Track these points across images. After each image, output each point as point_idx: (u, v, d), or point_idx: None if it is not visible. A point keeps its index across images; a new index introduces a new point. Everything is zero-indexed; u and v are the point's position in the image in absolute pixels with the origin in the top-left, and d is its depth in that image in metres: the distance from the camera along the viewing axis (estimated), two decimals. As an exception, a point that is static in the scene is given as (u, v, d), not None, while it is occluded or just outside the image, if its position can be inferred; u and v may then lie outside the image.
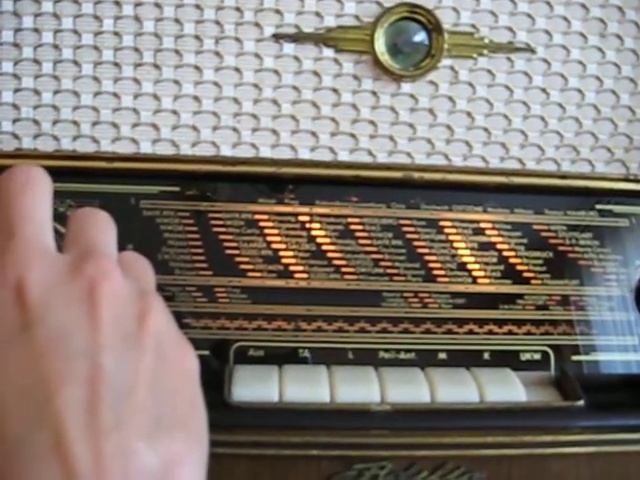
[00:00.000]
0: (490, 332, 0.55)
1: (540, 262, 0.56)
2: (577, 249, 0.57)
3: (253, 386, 0.50)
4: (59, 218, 0.49)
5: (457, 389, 0.50)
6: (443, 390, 0.50)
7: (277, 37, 0.53)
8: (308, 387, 0.50)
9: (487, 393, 0.50)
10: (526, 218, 0.56)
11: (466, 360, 0.54)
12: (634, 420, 0.50)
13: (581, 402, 0.51)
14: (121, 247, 0.46)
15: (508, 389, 0.51)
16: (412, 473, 0.48)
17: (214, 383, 0.50)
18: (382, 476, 0.48)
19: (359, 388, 0.50)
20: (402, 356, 0.53)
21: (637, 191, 0.57)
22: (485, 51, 0.55)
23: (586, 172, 0.57)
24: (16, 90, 0.52)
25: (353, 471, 0.48)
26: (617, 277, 0.57)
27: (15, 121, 0.52)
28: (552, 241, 0.56)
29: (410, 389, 0.50)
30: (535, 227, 0.56)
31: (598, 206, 0.58)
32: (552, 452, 0.49)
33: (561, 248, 0.57)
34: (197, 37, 0.53)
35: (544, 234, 0.56)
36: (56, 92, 0.52)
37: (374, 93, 0.54)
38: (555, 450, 0.49)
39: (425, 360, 0.53)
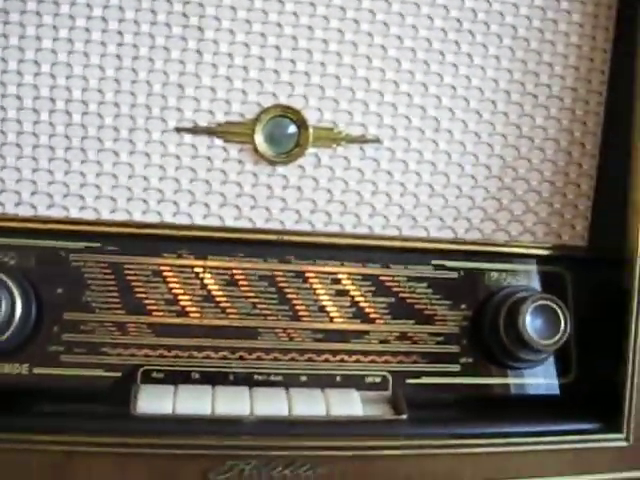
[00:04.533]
0: (342, 360, 0.71)
1: (384, 306, 0.72)
2: (414, 295, 0.73)
3: (153, 401, 0.65)
4: (1, 267, 0.65)
5: (310, 405, 0.66)
6: (298, 406, 0.66)
7: (178, 129, 0.68)
8: (195, 402, 0.65)
9: (332, 408, 0.66)
10: (374, 271, 0.72)
11: (322, 382, 0.70)
12: (442, 430, 0.67)
13: (404, 416, 0.67)
14: (53, 290, 0.62)
15: (349, 405, 0.67)
16: (270, 468, 0.64)
17: (124, 399, 0.65)
18: (247, 470, 0.64)
19: (234, 403, 0.65)
20: (272, 378, 0.69)
21: (463, 250, 0.74)
22: (343, 142, 0.71)
23: (422, 236, 0.73)
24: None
25: (225, 466, 0.63)
26: (445, 317, 0.73)
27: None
28: (395, 289, 0.73)
29: (273, 405, 0.66)
30: (381, 278, 0.72)
31: (433, 262, 0.74)
32: (379, 454, 0.65)
33: (402, 295, 0.73)
34: (115, 128, 0.68)
35: (388, 284, 0.73)
36: (1, 169, 0.67)
37: (254, 174, 0.70)
38: (382, 452, 0.66)
39: (290, 382, 0.69)
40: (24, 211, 0.68)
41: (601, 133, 0.76)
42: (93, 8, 0.67)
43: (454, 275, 0.74)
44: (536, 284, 0.76)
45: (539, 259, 0.76)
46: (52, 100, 0.67)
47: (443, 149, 0.72)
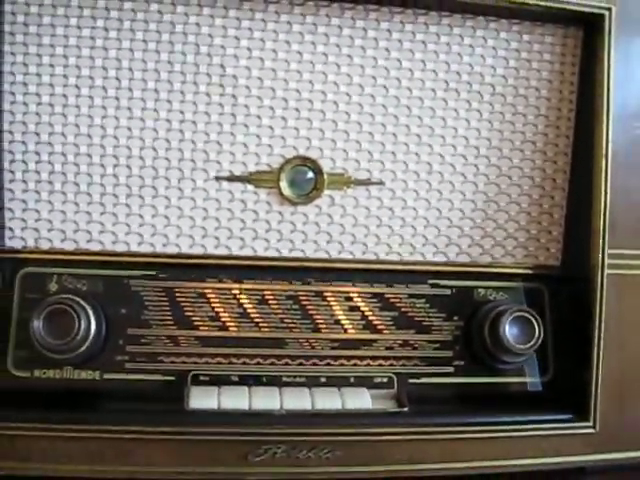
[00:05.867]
0: (354, 364, 0.85)
1: (389, 318, 0.87)
2: (414, 309, 0.87)
3: (201, 399, 0.80)
4: (78, 293, 0.80)
5: (328, 401, 0.80)
6: (319, 402, 0.80)
7: (217, 178, 0.84)
8: (235, 399, 0.80)
9: (347, 403, 0.81)
10: (381, 289, 0.87)
11: (338, 382, 0.84)
12: (438, 420, 0.81)
13: (406, 409, 0.81)
14: (118, 311, 0.77)
15: (361, 401, 0.81)
16: (297, 451, 0.78)
17: (178, 398, 0.80)
18: (279, 453, 0.78)
19: (267, 400, 0.80)
20: (297, 380, 0.84)
21: (454, 271, 0.88)
22: (352, 185, 0.86)
23: (420, 260, 0.88)
24: (50, 211, 0.82)
25: (261, 450, 0.78)
26: (440, 327, 0.88)
27: (50, 230, 0.83)
28: (397, 304, 0.87)
29: (299, 401, 0.80)
30: (386, 295, 0.87)
31: (430, 281, 0.89)
32: (385, 439, 0.80)
33: (403, 309, 0.87)
34: (166, 178, 0.84)
35: (392, 300, 0.87)
36: (76, 212, 0.83)
37: (280, 213, 0.85)
38: (388, 437, 0.80)
39: (312, 383, 0.83)
40: (94, 246, 0.83)
41: (569, 170, 0.90)
42: (147, 82, 0.82)
43: (447, 292, 0.88)
44: (518, 299, 0.89)
45: (520, 277, 0.89)
46: (115, 157, 0.83)
47: (435, 188, 0.87)
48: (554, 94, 0.88)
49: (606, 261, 0.84)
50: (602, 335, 0.84)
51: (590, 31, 0.87)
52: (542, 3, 0.83)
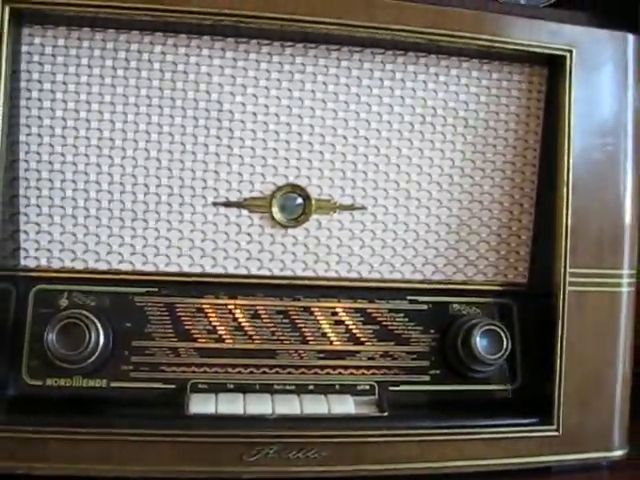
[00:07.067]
0: (339, 373, 0.93)
1: (371, 331, 0.95)
2: (394, 323, 0.95)
3: (200, 405, 0.87)
4: (87, 308, 0.88)
5: (316, 406, 0.88)
6: (307, 407, 0.87)
7: (215, 204, 0.92)
8: (231, 405, 0.87)
9: (333, 408, 0.88)
10: (363, 305, 0.95)
11: (325, 390, 0.91)
12: (415, 424, 0.90)
13: (386, 414, 0.90)
14: (123, 325, 0.85)
15: (345, 406, 0.89)
16: (287, 452, 0.86)
17: (178, 404, 0.88)
18: (270, 453, 0.85)
19: (260, 406, 0.87)
20: (287, 388, 0.91)
21: (431, 289, 0.97)
22: (337, 210, 0.94)
23: (399, 278, 0.96)
24: (61, 233, 0.90)
25: (254, 450, 0.86)
26: (418, 340, 0.96)
27: (61, 250, 0.91)
28: (379, 318, 0.95)
29: (289, 406, 0.87)
30: (369, 310, 0.95)
31: (408, 297, 0.97)
32: (368, 441, 0.88)
33: (384, 323, 0.95)
34: (169, 204, 0.92)
35: (374, 314, 0.95)
36: (85, 234, 0.91)
37: (271, 235, 0.93)
38: (370, 439, 0.88)
39: (300, 390, 0.90)
40: (102, 265, 0.91)
41: (535, 196, 0.99)
42: (151, 116, 0.91)
43: (424, 307, 0.96)
44: (489, 313, 0.97)
45: (491, 293, 0.97)
46: (122, 184, 0.91)
47: (413, 212, 0.95)
48: (521, 126, 0.96)
49: (567, 279, 0.92)
50: (564, 347, 0.92)
51: (554, 70, 0.95)
52: (510, 46, 0.92)
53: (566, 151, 0.92)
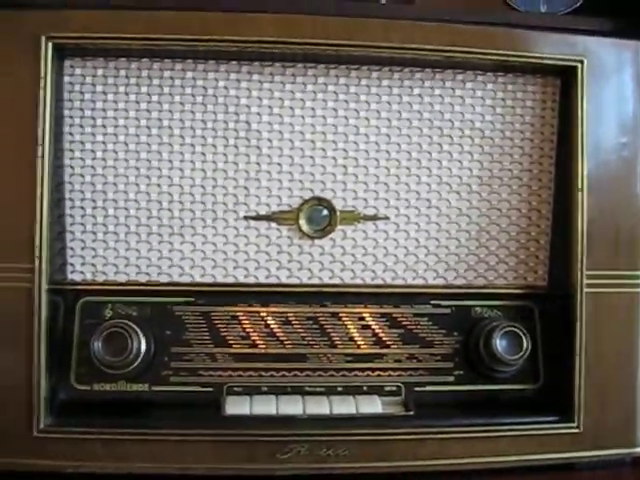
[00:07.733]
0: (367, 375, 0.98)
1: (396, 335, 0.99)
2: (419, 327, 1.00)
3: (236, 407, 0.93)
4: (129, 318, 0.95)
5: (344, 407, 0.93)
6: (337, 408, 0.92)
7: (246, 217, 0.98)
8: (264, 406, 0.92)
9: (361, 409, 0.93)
10: (389, 310, 1.00)
11: (353, 391, 0.96)
12: (440, 423, 0.94)
13: (412, 413, 0.94)
14: (163, 332, 0.91)
15: (373, 406, 0.94)
16: (318, 449, 0.90)
17: (216, 406, 0.94)
18: (302, 451, 0.91)
19: (291, 407, 0.92)
20: (317, 389, 0.96)
21: (453, 293, 1.01)
22: (361, 220, 0.99)
23: (422, 283, 1.01)
24: (105, 249, 0.97)
25: (287, 448, 0.91)
26: (442, 342, 1.00)
27: (105, 265, 0.98)
28: (404, 322, 0.99)
29: (319, 407, 0.93)
30: (394, 315, 1.00)
31: (432, 302, 1.01)
32: (395, 438, 0.92)
33: (409, 327, 1.00)
34: (203, 219, 0.98)
35: (399, 319, 1.00)
36: (127, 249, 0.98)
37: (299, 246, 0.98)
38: (396, 437, 0.92)
39: (330, 391, 0.95)
40: (142, 278, 0.97)
41: (552, 201, 1.02)
42: (185, 137, 0.97)
43: (448, 311, 1.00)
44: (510, 316, 1.00)
45: (511, 296, 1.00)
46: (159, 202, 0.97)
47: (434, 221, 1.00)
48: (537, 135, 1.00)
49: (585, 281, 0.96)
50: (583, 346, 0.95)
51: (566, 80, 0.99)
52: (523, 59, 0.96)
53: (580, 157, 0.96)
